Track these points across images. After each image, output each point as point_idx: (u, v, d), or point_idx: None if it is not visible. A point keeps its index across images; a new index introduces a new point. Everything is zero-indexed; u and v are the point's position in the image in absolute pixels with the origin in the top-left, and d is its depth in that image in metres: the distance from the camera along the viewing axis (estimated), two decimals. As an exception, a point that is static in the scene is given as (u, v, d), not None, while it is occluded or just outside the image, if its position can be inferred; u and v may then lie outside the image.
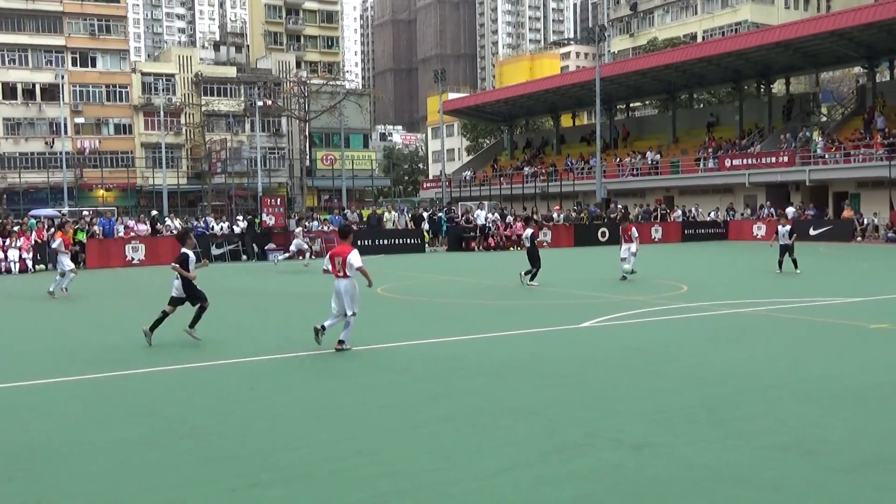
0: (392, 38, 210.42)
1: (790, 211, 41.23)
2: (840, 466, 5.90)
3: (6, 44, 67.76)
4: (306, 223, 33.47)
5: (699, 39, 79.83)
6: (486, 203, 50.14)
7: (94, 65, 70.78)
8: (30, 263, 28.36)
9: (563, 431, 6.90)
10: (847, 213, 41.46)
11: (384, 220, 39.34)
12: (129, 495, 5.55)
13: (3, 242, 28.16)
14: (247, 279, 23.86)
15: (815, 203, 45.74)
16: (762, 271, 22.79)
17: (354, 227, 27.43)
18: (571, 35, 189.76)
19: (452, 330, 13.01)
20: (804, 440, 6.55)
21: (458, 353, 10.87)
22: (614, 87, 59.13)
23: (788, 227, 22.29)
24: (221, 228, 34.70)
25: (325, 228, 33.86)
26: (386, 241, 35.29)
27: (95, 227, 31.81)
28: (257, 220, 34.34)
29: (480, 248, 37.37)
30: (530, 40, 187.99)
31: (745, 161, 49.02)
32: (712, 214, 45.61)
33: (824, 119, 58.28)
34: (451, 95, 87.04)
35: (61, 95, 63.77)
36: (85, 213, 39.73)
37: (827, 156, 45.24)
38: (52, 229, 30.55)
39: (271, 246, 33.16)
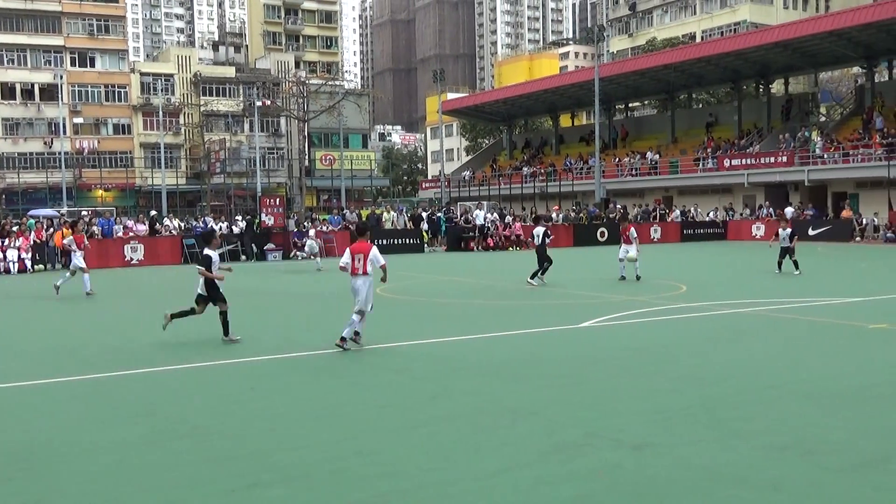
0: (391, 38, 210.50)
1: (789, 211, 41.20)
2: (839, 466, 5.91)
3: (5, 44, 67.74)
4: (318, 224, 33.41)
5: (698, 39, 79.82)
6: (485, 203, 50.05)
7: (92, 65, 70.76)
8: (28, 263, 28.38)
9: (562, 431, 6.90)
10: (846, 213, 41.44)
11: (383, 220, 39.33)
12: (129, 495, 5.55)
13: (2, 242, 28.17)
14: (246, 279, 23.83)
15: (813, 203, 45.73)
16: (761, 271, 22.80)
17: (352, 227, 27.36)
18: (570, 35, 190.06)
19: (452, 330, 13.02)
20: (803, 440, 6.55)
21: (457, 353, 10.88)
22: (613, 87, 59.11)
23: (789, 230, 22.27)
24: (220, 228, 34.69)
25: (325, 228, 33.90)
26: (385, 242, 35.26)
27: (94, 228, 31.82)
28: (256, 221, 34.37)
29: (479, 248, 37.38)
30: (529, 40, 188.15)
31: (743, 161, 49.03)
32: (711, 214, 45.60)
33: (823, 119, 58.36)
34: (450, 95, 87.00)
35: (60, 95, 63.74)
36: (84, 213, 39.73)
37: (826, 156, 45.24)
38: (52, 229, 30.60)
39: (271, 246, 33.20)
